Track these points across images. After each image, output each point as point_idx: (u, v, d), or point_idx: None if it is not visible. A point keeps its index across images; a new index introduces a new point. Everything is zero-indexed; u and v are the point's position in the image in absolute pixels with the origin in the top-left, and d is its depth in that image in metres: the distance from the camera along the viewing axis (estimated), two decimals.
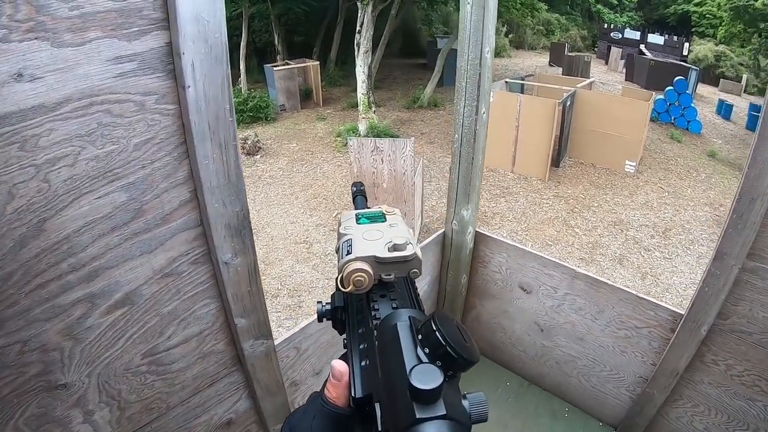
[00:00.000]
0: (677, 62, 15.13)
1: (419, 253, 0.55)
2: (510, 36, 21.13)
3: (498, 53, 18.04)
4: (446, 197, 1.91)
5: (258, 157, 9.06)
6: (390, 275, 0.54)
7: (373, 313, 0.51)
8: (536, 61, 19.06)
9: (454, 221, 1.98)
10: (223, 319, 1.10)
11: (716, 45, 18.63)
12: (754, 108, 11.96)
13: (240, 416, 1.30)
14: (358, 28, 9.78)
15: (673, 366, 1.58)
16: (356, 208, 0.74)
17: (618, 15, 23.72)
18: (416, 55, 17.72)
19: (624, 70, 16.87)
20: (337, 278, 0.54)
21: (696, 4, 21.04)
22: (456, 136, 1.78)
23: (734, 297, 1.36)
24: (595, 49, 21.62)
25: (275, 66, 12.16)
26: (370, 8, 9.57)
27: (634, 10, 24.29)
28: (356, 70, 10.08)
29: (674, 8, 22.30)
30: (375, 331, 0.48)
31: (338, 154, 9.15)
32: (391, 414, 0.37)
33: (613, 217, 7.18)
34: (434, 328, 0.38)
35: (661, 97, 10.99)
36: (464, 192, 1.88)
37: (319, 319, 0.59)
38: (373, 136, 8.60)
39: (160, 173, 0.86)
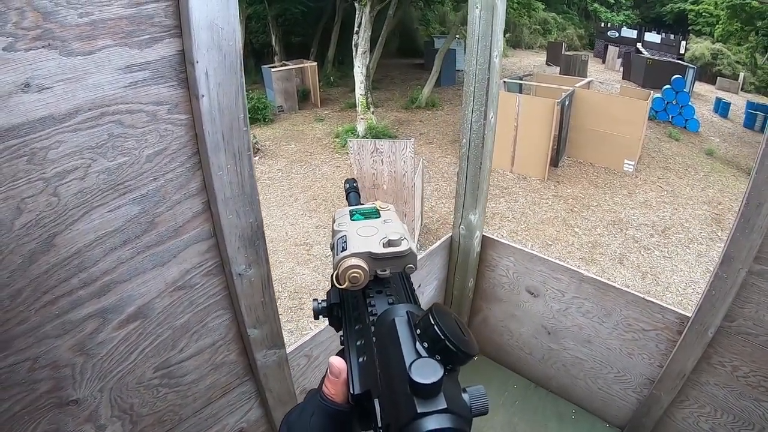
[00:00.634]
0: (674, 61, 15.17)
1: (414, 249, 0.55)
2: (507, 35, 21.15)
3: None
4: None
5: (256, 158, 9.03)
6: (386, 271, 0.54)
7: (369, 309, 0.51)
8: (533, 60, 19.09)
9: (461, 225, 1.97)
10: (235, 330, 1.09)
11: (713, 43, 18.66)
12: (751, 106, 12.02)
13: (252, 425, 1.29)
14: (355, 28, 9.76)
15: (680, 368, 1.59)
16: (350, 205, 0.73)
17: (615, 14, 23.78)
18: (413, 55, 17.73)
19: (621, 69, 16.89)
20: (332, 275, 0.54)
21: (692, 3, 21.07)
22: (464, 140, 1.77)
23: (741, 299, 1.37)
24: (593, 48, 21.66)
25: (273, 67, 12.13)
26: (367, 9, 9.55)
27: (630, 9, 24.31)
28: (354, 70, 10.05)
29: (671, 6, 22.33)
30: (372, 327, 0.48)
31: (337, 155, 9.14)
32: (392, 409, 0.37)
33: (613, 217, 7.19)
34: (432, 322, 0.38)
35: (659, 95, 11.02)
36: (472, 196, 1.87)
37: (315, 317, 0.59)
38: (372, 137, 8.59)
39: (172, 185, 0.85)
